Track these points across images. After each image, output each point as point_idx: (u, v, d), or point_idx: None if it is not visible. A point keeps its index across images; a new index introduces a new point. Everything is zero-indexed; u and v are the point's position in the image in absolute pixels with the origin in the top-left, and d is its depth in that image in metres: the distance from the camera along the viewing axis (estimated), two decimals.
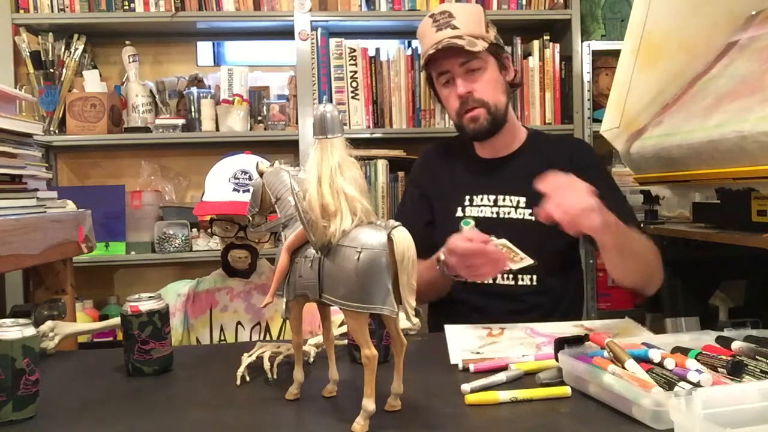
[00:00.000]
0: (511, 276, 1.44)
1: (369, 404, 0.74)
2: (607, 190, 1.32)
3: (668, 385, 0.76)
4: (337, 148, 0.77)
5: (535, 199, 1.38)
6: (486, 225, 1.42)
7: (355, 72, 2.44)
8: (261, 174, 0.97)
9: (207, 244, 2.42)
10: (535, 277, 1.44)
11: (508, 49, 2.37)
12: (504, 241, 1.39)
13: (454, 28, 1.41)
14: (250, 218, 0.99)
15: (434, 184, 1.57)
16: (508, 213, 1.47)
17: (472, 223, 1.46)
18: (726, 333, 0.93)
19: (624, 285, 1.33)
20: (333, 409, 0.84)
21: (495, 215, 1.47)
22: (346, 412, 0.81)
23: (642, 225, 1.48)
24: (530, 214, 1.43)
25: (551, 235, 1.36)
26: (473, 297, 1.45)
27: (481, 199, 1.49)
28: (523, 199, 1.45)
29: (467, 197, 1.50)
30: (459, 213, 1.50)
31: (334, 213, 0.75)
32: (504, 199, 1.47)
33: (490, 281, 1.44)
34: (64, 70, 2.42)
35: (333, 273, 0.75)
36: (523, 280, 1.45)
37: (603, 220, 1.12)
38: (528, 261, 1.38)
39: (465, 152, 1.57)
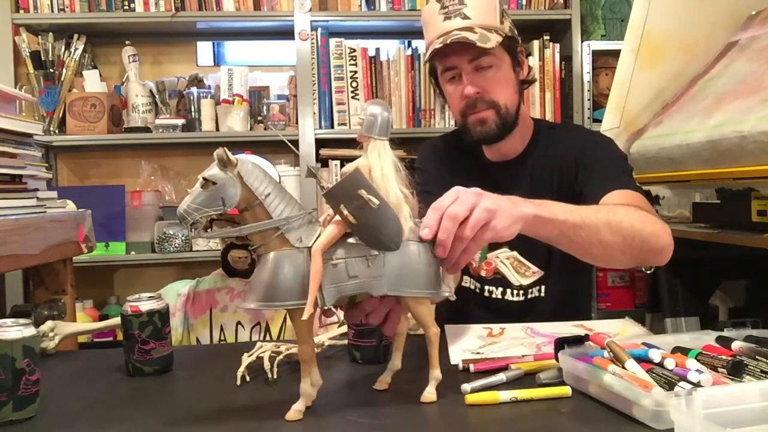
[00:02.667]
0: (521, 291, 1.37)
1: (438, 373, 0.84)
2: (605, 162, 1.29)
3: (668, 385, 0.76)
4: (390, 150, 0.82)
5: None
6: None
7: (355, 72, 2.44)
8: (229, 164, 0.75)
9: (207, 244, 2.42)
10: (543, 287, 1.37)
11: None
12: (515, 254, 1.37)
13: (465, 17, 1.24)
14: (203, 220, 0.78)
15: (445, 180, 1.41)
16: None
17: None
18: (726, 333, 0.93)
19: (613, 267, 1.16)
20: (334, 408, 0.83)
21: None
22: (347, 411, 0.81)
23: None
24: None
25: None
26: (484, 313, 1.37)
27: None
28: None
29: None
30: None
31: (401, 210, 0.80)
32: None
33: (499, 296, 1.38)
34: (64, 70, 2.42)
35: (404, 267, 0.80)
36: (532, 293, 1.37)
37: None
38: (538, 273, 1.35)
39: (473, 152, 1.43)
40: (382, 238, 0.79)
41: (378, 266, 0.79)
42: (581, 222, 0.96)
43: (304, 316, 0.76)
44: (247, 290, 0.79)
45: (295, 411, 0.79)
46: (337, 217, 0.79)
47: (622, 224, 1.03)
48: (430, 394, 0.83)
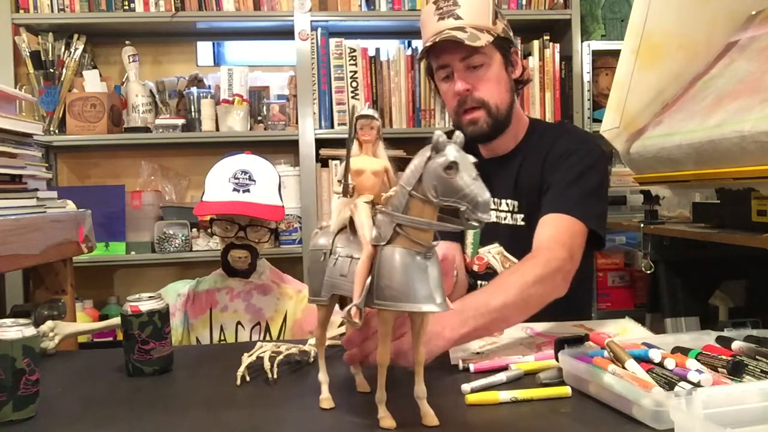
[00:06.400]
0: None
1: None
2: (563, 180, 1.30)
3: (668, 385, 0.76)
4: None
5: (525, 205, 1.38)
6: (487, 230, 1.38)
7: (355, 72, 2.44)
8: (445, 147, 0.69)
9: (207, 244, 2.42)
10: None
11: None
12: (500, 248, 1.38)
13: (458, 18, 1.28)
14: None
15: None
16: (505, 219, 1.41)
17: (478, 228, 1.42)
18: (726, 333, 0.93)
19: None
20: (333, 409, 0.83)
21: (496, 219, 1.41)
22: (347, 410, 0.81)
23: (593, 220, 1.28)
24: (522, 219, 1.38)
25: None
26: None
27: None
28: (516, 203, 1.39)
29: None
30: None
31: None
32: (501, 204, 1.41)
33: None
34: (64, 70, 2.42)
35: None
36: None
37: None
38: None
39: (469, 150, 1.48)
40: None
41: None
42: (491, 321, 1.02)
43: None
44: (433, 294, 0.71)
45: (390, 419, 0.76)
46: None
47: (529, 301, 1.09)
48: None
